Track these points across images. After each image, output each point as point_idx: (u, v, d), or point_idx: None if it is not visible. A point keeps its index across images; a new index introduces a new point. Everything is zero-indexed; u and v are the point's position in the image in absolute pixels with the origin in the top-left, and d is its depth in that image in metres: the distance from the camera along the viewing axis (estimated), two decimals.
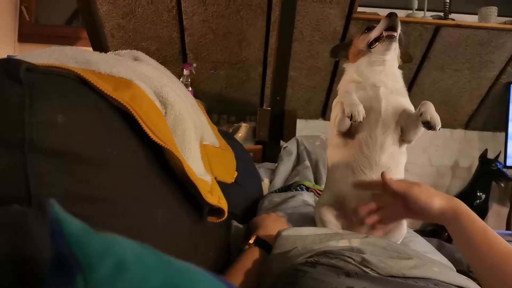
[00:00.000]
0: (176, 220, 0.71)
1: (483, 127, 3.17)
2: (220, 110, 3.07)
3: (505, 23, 2.66)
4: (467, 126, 3.19)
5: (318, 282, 0.68)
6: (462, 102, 3.03)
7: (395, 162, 1.06)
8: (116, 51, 0.83)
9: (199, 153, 0.79)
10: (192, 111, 0.84)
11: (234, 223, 1.28)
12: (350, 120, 0.98)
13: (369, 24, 1.17)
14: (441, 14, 2.72)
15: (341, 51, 1.25)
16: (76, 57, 0.65)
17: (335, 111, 1.08)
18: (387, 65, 1.09)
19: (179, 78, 2.38)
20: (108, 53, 0.81)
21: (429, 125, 0.94)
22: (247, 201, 1.30)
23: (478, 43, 2.70)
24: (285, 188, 1.72)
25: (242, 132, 2.57)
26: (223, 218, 0.80)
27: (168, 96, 0.75)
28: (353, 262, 0.73)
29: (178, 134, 0.75)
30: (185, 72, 2.51)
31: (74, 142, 0.52)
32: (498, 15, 2.69)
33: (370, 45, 1.10)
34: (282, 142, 2.33)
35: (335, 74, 2.87)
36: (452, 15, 2.73)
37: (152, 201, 0.63)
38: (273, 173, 1.97)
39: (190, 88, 2.49)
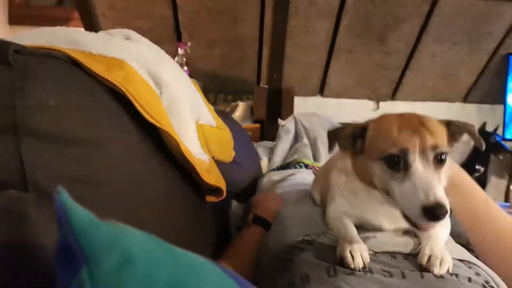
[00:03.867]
0: (175, 201, 0.71)
1: (482, 100, 3.15)
2: (217, 89, 3.04)
3: None
4: (465, 99, 3.17)
5: (314, 260, 0.68)
6: (461, 75, 3.00)
7: None
8: (107, 30, 0.81)
9: (195, 133, 0.78)
10: (187, 91, 0.83)
11: (234, 202, 1.28)
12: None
13: None
14: None
15: (347, 144, 0.75)
16: (67, 37, 0.64)
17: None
18: None
19: (173, 58, 2.35)
20: (99, 32, 0.80)
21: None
22: (246, 180, 1.30)
23: (478, 14, 2.65)
24: (284, 166, 1.72)
25: (239, 111, 2.56)
26: (222, 198, 0.80)
27: (162, 76, 0.74)
28: None
29: (174, 114, 0.74)
30: (180, 51, 2.47)
31: (67, 124, 0.51)
32: None
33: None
34: (280, 121, 2.32)
35: (333, 50, 2.84)
36: None
37: (150, 183, 0.63)
38: (271, 151, 1.96)
39: (185, 68, 2.45)
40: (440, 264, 0.62)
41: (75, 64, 0.58)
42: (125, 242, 0.28)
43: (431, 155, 0.65)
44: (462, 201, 0.86)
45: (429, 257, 0.64)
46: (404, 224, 0.69)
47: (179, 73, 0.84)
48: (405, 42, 2.80)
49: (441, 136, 0.68)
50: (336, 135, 0.75)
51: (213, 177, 0.75)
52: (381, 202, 0.71)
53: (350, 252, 0.64)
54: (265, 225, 0.97)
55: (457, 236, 0.90)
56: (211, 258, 0.90)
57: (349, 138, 0.73)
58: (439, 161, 0.66)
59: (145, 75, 0.68)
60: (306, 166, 1.64)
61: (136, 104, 0.61)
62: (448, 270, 0.63)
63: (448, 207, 0.59)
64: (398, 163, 0.65)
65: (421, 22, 2.71)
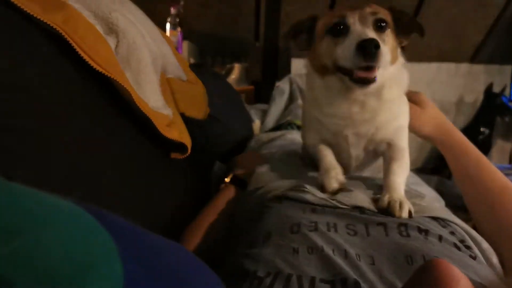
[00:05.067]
0: (132, 156, 0.67)
1: (490, 60, 3.02)
2: (214, 51, 2.95)
3: None
4: (473, 59, 3.04)
5: (281, 217, 0.64)
6: (468, 33, 2.87)
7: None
8: None
9: (157, 85, 0.73)
10: (151, 41, 0.77)
11: (217, 162, 1.24)
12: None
13: None
14: None
15: (300, 40, 0.82)
16: None
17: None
18: (371, 88, 0.71)
19: (166, 18, 2.26)
20: None
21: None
22: (231, 140, 1.25)
23: None
24: (276, 127, 1.67)
25: (235, 73, 2.48)
26: (187, 154, 0.75)
27: (118, 23, 0.68)
28: (318, 195, 0.69)
29: (133, 64, 0.69)
30: (173, 11, 2.37)
31: None
32: None
33: (339, 68, 0.72)
34: (277, 83, 2.25)
35: (334, 4, 2.72)
36: None
37: (95, 135, 0.58)
38: (265, 114, 1.91)
39: (179, 29, 2.36)
40: (400, 208, 0.64)
41: (8, 5, 0.52)
42: None
43: (370, 19, 0.71)
44: (453, 161, 0.87)
45: (389, 202, 0.66)
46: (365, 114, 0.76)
47: (141, 22, 0.77)
48: None
49: (382, 11, 0.73)
50: (291, 29, 0.82)
51: (175, 132, 0.70)
52: (338, 89, 0.75)
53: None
54: (241, 185, 0.93)
55: (457, 198, 0.91)
56: (182, 216, 0.86)
57: (303, 31, 0.80)
58: (379, 27, 0.71)
59: (90, 18, 0.62)
60: (298, 127, 1.59)
61: (77, 49, 0.55)
62: (410, 214, 0.64)
63: (381, 44, 0.64)
64: (339, 29, 0.71)
65: None
